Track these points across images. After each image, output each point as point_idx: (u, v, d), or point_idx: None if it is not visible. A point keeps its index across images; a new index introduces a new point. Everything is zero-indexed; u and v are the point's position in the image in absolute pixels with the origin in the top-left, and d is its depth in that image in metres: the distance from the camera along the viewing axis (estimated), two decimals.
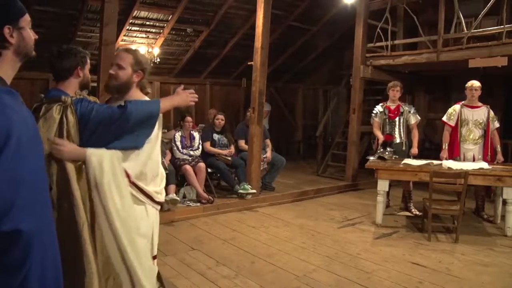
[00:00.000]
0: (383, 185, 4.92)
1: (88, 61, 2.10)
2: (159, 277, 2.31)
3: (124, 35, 7.26)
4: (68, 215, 1.77)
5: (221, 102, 9.72)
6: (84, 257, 1.75)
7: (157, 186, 2.23)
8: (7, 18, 1.22)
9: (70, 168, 1.84)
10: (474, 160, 5.06)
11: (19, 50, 1.26)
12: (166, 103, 2.12)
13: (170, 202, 5.15)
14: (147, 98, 2.24)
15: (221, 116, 6.36)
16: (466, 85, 5.18)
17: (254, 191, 5.93)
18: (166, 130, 6.65)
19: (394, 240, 4.48)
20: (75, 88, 2.06)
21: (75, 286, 1.72)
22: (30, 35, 1.31)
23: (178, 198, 5.28)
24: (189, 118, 6.09)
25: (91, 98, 2.10)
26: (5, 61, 1.23)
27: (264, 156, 6.42)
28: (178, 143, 5.90)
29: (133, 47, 7.30)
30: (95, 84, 5.04)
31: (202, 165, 5.80)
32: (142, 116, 1.97)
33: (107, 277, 1.90)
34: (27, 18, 1.29)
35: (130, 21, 6.91)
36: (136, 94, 2.22)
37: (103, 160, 1.88)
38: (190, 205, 5.54)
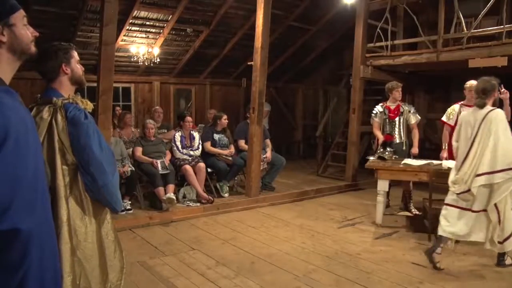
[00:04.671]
0: (383, 185, 4.91)
1: (74, 53, 1.92)
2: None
3: (124, 35, 7.26)
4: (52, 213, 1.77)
5: (221, 102, 9.72)
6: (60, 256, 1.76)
7: None
8: None
9: (62, 169, 1.84)
10: None
11: (13, 48, 1.24)
12: None
13: (168, 201, 5.15)
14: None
15: (225, 116, 6.40)
16: (465, 85, 5.15)
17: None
18: (166, 130, 6.65)
19: (394, 240, 4.48)
20: (68, 85, 1.92)
21: None
22: (25, 33, 1.27)
23: (174, 197, 5.27)
24: (189, 118, 6.10)
25: (83, 102, 1.95)
26: (1, 60, 1.22)
27: (264, 156, 6.42)
28: (178, 143, 5.90)
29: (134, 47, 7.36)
30: (94, 84, 5.05)
31: (202, 165, 5.80)
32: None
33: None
34: (19, 15, 1.26)
35: (130, 21, 6.91)
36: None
37: None
38: (190, 205, 5.54)
